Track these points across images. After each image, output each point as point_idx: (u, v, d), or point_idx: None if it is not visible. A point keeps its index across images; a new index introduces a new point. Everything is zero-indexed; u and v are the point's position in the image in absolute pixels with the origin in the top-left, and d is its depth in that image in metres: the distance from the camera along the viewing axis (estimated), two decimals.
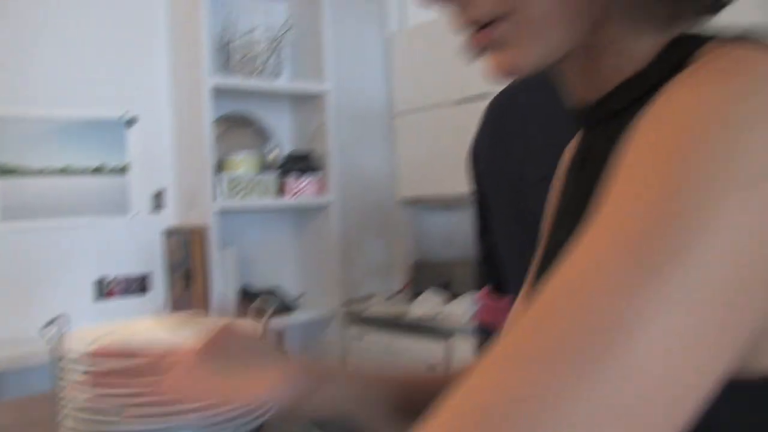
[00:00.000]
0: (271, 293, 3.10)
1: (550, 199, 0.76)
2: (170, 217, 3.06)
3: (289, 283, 3.32)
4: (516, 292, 1.33)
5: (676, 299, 0.38)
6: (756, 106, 0.41)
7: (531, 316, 0.41)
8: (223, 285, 2.90)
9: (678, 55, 0.53)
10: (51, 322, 0.92)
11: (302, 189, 3.13)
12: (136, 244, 3.00)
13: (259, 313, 1.01)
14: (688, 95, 0.44)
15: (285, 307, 3.05)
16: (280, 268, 3.33)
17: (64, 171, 2.83)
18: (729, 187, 0.40)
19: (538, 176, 1.25)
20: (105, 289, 2.93)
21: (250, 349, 0.76)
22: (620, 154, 0.46)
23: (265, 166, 3.20)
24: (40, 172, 2.79)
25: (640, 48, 0.56)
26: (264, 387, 0.71)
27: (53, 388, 0.95)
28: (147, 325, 1.02)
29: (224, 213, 2.97)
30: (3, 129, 2.73)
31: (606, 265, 0.40)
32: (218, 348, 0.75)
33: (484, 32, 0.55)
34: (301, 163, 3.16)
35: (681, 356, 0.38)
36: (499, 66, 0.56)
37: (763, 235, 0.39)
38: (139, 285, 3.00)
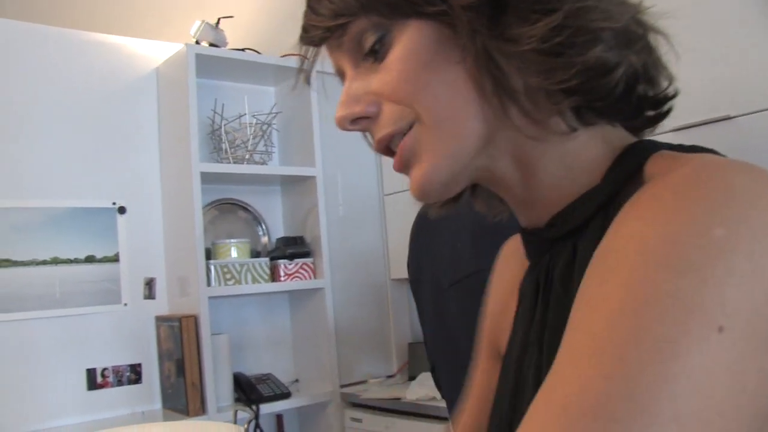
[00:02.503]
0: (264, 380, 3.06)
1: (499, 306, 0.77)
2: (162, 305, 3.04)
3: (283, 368, 3.27)
4: (447, 388, 1.53)
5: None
6: (708, 241, 0.42)
7: None
8: (216, 372, 2.85)
9: (629, 168, 0.53)
10: None
11: (295, 273, 3.11)
12: (128, 333, 2.97)
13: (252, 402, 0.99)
14: (649, 230, 0.45)
15: (280, 394, 3.00)
16: (273, 353, 3.29)
17: (52, 261, 2.82)
18: (701, 334, 0.40)
19: (450, 281, 1.40)
20: (97, 380, 2.89)
21: None
22: (585, 287, 0.47)
23: (256, 251, 3.19)
24: (30, 263, 2.78)
25: (590, 161, 0.56)
26: None
27: None
28: None
29: (216, 299, 2.95)
30: None
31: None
32: None
33: (399, 147, 0.60)
34: (292, 247, 3.15)
35: None
36: (416, 182, 0.60)
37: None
38: (131, 375, 2.96)
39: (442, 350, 1.48)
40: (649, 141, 0.57)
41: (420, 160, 0.59)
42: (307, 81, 0.69)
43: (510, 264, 0.74)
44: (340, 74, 0.65)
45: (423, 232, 1.53)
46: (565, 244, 0.57)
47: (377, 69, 0.59)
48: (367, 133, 0.64)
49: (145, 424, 1.30)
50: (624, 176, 0.54)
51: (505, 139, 0.58)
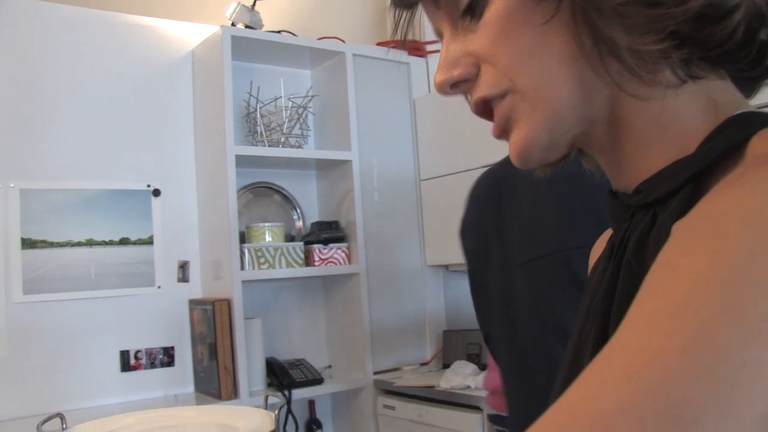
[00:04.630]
0: (297, 365, 3.04)
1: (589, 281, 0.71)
2: (195, 288, 3.04)
3: (316, 354, 3.26)
4: (503, 369, 1.38)
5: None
6: None
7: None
8: (248, 357, 2.84)
9: (730, 141, 0.48)
10: (49, 419, 0.88)
11: (329, 258, 3.09)
12: (162, 315, 2.97)
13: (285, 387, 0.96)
14: (754, 201, 0.40)
15: (313, 379, 2.98)
16: (307, 338, 3.28)
17: (88, 243, 2.83)
18: None
19: (521, 260, 1.30)
20: (130, 362, 2.90)
21: None
22: (667, 256, 0.42)
23: (290, 236, 3.17)
24: (65, 244, 2.79)
25: (688, 125, 0.52)
26: None
27: None
28: (152, 421, 0.97)
29: (249, 283, 2.93)
30: (28, 202, 2.73)
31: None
32: None
33: (495, 114, 0.58)
34: (327, 232, 3.13)
35: None
36: (515, 149, 0.58)
37: None
38: (164, 357, 2.96)
39: (501, 325, 1.38)
40: (760, 113, 0.51)
41: (518, 127, 0.57)
42: (403, 46, 0.66)
43: (603, 247, 0.69)
44: (439, 35, 0.62)
45: (490, 200, 1.39)
46: (646, 213, 0.53)
47: (475, 28, 0.57)
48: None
49: (177, 408, 1.28)
50: (723, 149, 0.48)
51: (603, 99, 0.55)
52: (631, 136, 0.55)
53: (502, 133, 0.59)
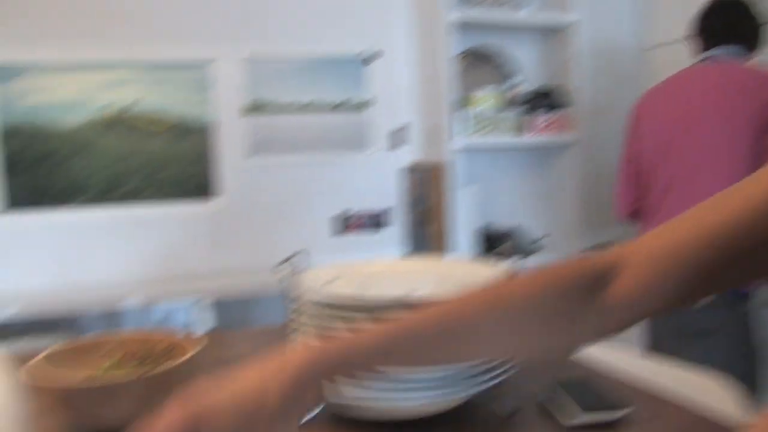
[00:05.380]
0: (511, 234, 3.00)
1: None
2: (410, 153, 3.03)
3: (529, 224, 3.20)
4: None
5: None
6: None
7: None
8: (461, 224, 2.83)
9: None
10: (287, 260, 0.88)
11: (546, 127, 2.98)
12: (376, 179, 3.00)
13: (501, 255, 0.91)
14: None
15: (525, 250, 2.94)
16: (520, 208, 3.22)
17: (308, 107, 2.87)
18: None
19: None
20: (343, 225, 2.97)
21: None
22: None
23: (507, 103, 3.08)
24: (287, 108, 2.85)
25: None
26: None
27: (285, 320, 0.92)
28: (381, 268, 0.96)
29: (465, 150, 2.89)
30: (254, 68, 2.80)
31: None
32: None
33: None
34: (545, 100, 3.01)
35: None
36: None
37: None
38: (376, 221, 3.01)
39: None
40: None
41: None
42: None
43: None
44: None
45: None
46: None
47: None
48: None
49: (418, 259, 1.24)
50: None
51: None
52: None
53: None
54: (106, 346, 0.92)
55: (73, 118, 2.65)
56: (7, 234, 2.65)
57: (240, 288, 2.62)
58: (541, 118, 2.96)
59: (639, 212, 2.45)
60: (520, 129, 2.95)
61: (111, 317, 2.63)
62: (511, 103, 3.08)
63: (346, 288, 0.89)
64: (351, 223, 2.97)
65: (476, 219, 2.92)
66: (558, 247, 3.10)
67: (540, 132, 2.96)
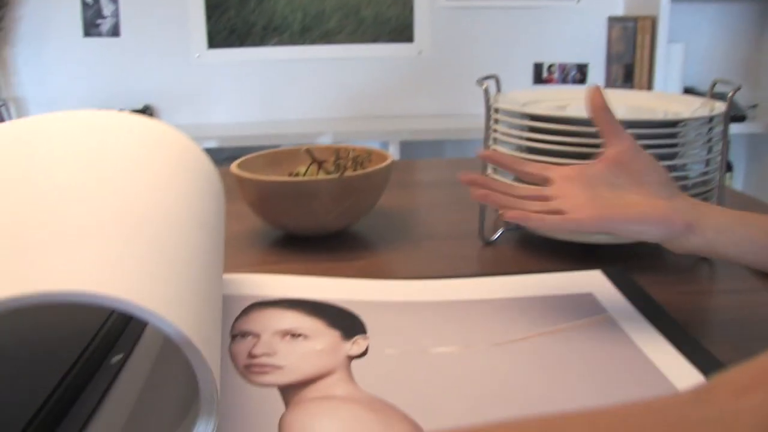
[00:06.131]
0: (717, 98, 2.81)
1: None
2: (617, 3, 2.86)
3: (741, 90, 2.97)
4: None
5: None
6: None
7: None
8: (665, 82, 2.68)
9: None
10: (487, 78, 0.86)
11: None
12: (579, 30, 2.87)
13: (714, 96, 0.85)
14: None
15: (733, 116, 2.75)
16: (733, 71, 2.99)
17: None
18: None
19: None
20: (543, 75, 2.88)
21: (645, 174, 0.62)
22: None
23: None
24: None
25: None
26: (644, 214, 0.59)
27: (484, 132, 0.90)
28: (579, 94, 0.92)
29: (677, 3, 2.69)
30: None
31: None
32: (618, 163, 0.63)
33: None
34: None
35: None
36: None
37: None
38: (577, 74, 2.91)
39: None
40: None
41: None
42: None
43: None
44: None
45: None
46: None
47: None
48: None
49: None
50: None
51: None
52: None
53: None
54: (299, 156, 0.94)
55: None
56: (208, 72, 2.76)
57: (431, 132, 2.63)
58: None
59: None
60: None
61: None
62: None
63: (544, 104, 0.87)
64: (550, 75, 2.89)
65: (681, 79, 2.75)
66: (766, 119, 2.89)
67: None
